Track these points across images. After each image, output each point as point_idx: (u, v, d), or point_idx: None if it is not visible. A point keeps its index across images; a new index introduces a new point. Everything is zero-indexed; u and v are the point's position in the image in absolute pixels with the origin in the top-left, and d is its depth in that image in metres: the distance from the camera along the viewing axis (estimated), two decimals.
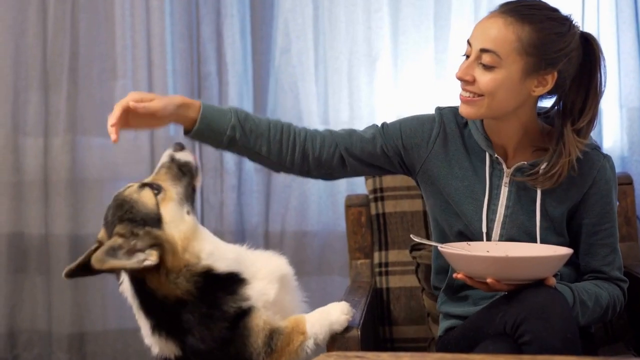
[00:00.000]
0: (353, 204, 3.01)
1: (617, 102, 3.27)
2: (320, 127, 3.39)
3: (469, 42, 2.17)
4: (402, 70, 3.41)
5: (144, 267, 1.96)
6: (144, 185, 2.07)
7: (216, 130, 2.26)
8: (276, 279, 2.14)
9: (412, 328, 2.91)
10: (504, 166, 2.25)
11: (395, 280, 2.94)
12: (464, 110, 2.19)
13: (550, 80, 2.13)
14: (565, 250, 2.10)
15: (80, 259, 2.05)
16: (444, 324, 2.42)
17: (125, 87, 3.62)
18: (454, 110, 2.32)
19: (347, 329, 2.13)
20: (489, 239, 2.26)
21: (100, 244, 2.03)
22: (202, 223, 3.50)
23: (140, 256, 1.96)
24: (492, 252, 2.17)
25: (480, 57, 2.12)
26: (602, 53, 2.18)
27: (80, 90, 3.64)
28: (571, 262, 2.22)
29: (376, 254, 2.98)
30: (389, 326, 2.92)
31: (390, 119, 3.35)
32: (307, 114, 3.45)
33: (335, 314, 2.12)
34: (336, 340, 2.10)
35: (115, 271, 2.05)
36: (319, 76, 3.47)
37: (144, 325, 2.10)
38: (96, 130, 3.64)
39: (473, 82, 2.14)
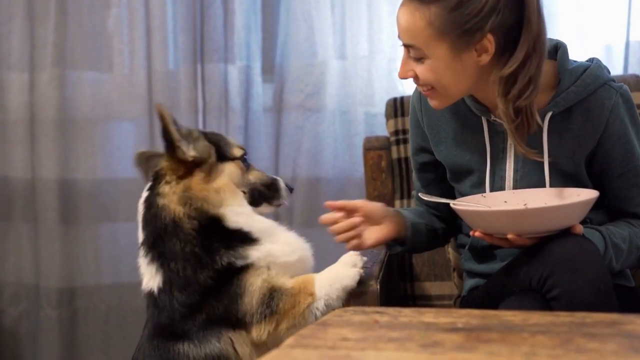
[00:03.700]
0: (372, 147, 3.00)
1: None
2: (336, 62, 3.40)
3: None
4: None
5: (177, 149, 2.14)
6: (242, 150, 2.27)
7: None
8: (293, 250, 2.20)
9: (436, 284, 2.91)
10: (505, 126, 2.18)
11: None
12: (431, 104, 2.20)
13: (489, 43, 2.04)
14: (589, 195, 2.07)
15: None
16: (468, 283, 2.43)
17: (119, 17, 3.60)
18: None
19: (365, 283, 2.14)
20: None
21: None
22: None
23: (186, 144, 2.15)
24: (510, 202, 2.16)
25: (409, 51, 2.11)
26: None
27: (70, 19, 3.63)
28: (601, 205, 2.21)
29: (397, 203, 2.98)
30: (411, 282, 2.93)
31: None
32: (322, 47, 3.43)
33: (344, 269, 2.14)
34: (353, 295, 2.10)
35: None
36: (335, 4, 3.44)
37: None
38: (87, 64, 3.64)
39: (416, 77, 2.13)
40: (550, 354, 1.36)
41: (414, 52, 2.09)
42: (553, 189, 2.18)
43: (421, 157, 2.43)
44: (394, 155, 2.96)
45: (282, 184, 2.28)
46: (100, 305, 3.71)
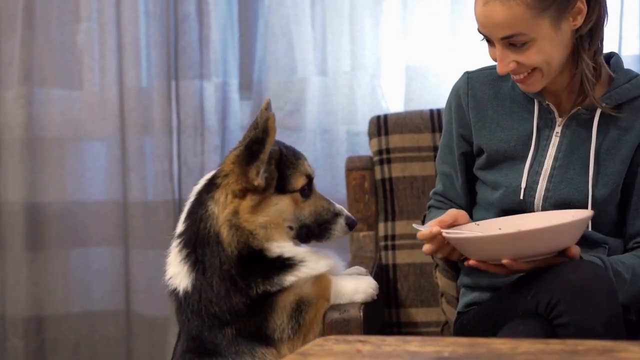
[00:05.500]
0: (355, 167, 3.00)
1: None
2: (317, 78, 3.40)
3: (481, 32, 2.19)
4: (412, 13, 3.37)
5: (253, 167, 2.14)
6: (310, 184, 2.26)
7: None
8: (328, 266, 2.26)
9: (422, 310, 2.91)
10: (556, 114, 2.29)
11: (403, 256, 2.94)
12: (527, 89, 2.25)
13: (582, 4, 2.15)
14: (583, 214, 2.10)
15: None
16: (466, 298, 2.43)
17: (89, 31, 3.59)
18: (485, 71, 2.39)
19: (347, 310, 2.15)
20: (531, 193, 2.28)
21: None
22: (180, 189, 3.54)
23: (263, 170, 2.15)
24: (505, 229, 2.17)
25: (509, 42, 2.15)
26: None
27: (37, 34, 3.61)
28: (622, 233, 2.27)
29: (381, 225, 2.98)
30: (396, 308, 2.92)
31: (397, 70, 3.36)
32: (302, 63, 3.43)
33: (363, 284, 2.24)
34: (335, 322, 2.11)
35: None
36: (316, 18, 3.44)
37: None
38: (56, 81, 3.62)
39: (518, 65, 2.17)
40: None
41: (518, 40, 2.14)
42: (545, 213, 2.22)
43: (461, 147, 2.44)
44: (378, 175, 2.97)
45: (340, 222, 2.26)
46: (70, 334, 3.67)
